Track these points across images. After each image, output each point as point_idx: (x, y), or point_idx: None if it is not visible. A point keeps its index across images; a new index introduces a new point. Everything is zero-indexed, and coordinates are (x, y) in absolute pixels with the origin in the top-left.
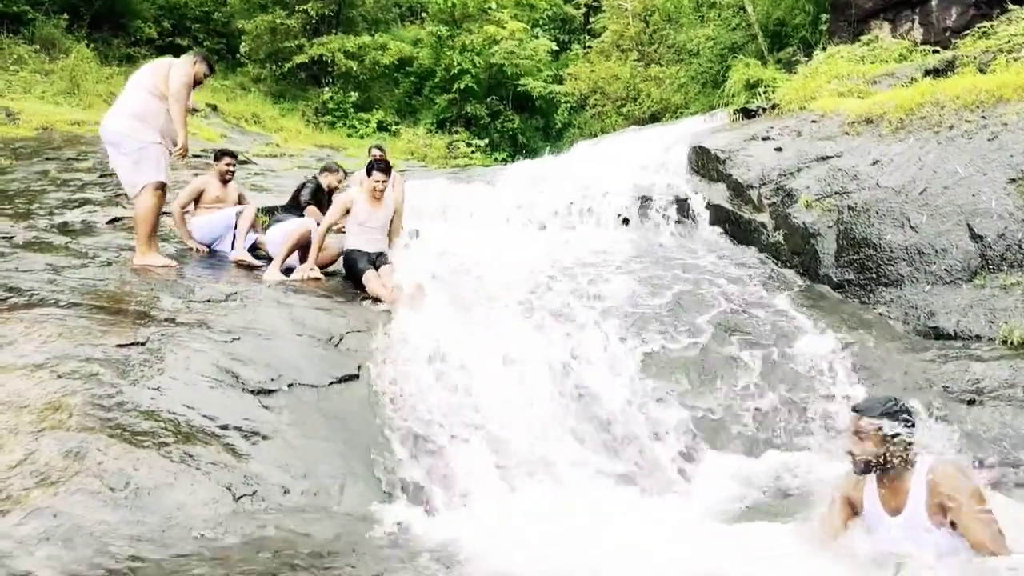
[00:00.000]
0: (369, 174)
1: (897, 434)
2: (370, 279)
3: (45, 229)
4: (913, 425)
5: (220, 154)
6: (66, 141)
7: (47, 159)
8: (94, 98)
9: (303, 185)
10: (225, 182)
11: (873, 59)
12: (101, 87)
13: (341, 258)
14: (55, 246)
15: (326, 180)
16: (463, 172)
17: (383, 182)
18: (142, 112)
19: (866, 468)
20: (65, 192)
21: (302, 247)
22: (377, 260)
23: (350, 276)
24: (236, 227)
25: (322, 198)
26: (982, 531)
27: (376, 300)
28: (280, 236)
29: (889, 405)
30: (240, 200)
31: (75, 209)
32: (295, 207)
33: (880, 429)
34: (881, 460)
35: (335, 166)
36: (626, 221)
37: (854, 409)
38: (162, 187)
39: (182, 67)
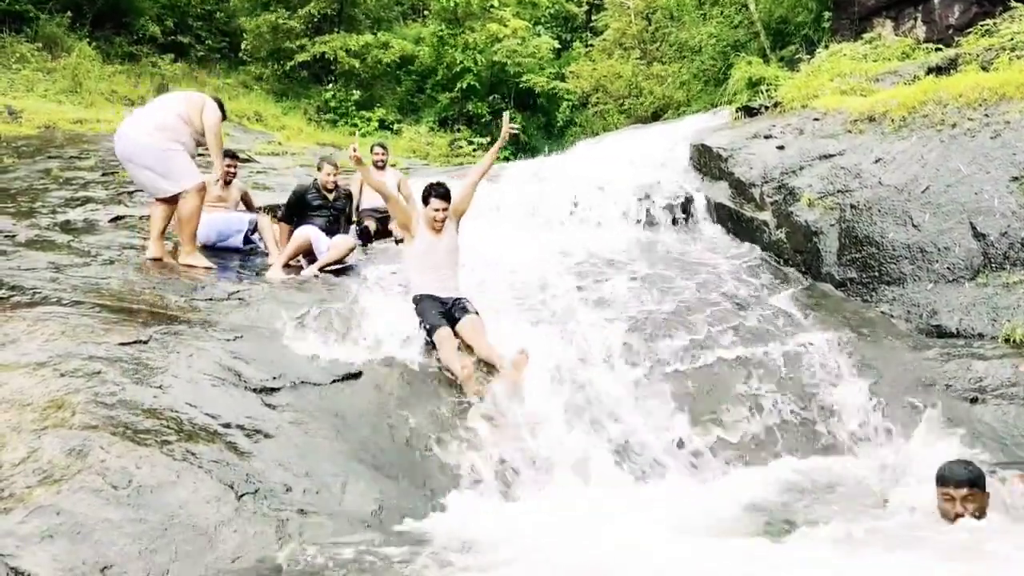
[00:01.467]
0: (426, 202)
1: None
2: (444, 342)
3: (47, 227)
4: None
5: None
6: (68, 140)
7: (49, 157)
8: (96, 96)
9: (292, 193)
10: (227, 183)
11: (875, 57)
12: (103, 86)
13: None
14: (57, 244)
15: (320, 178)
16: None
17: (444, 211)
18: (164, 126)
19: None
20: (67, 190)
21: (306, 251)
22: (454, 308)
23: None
24: (261, 240)
25: (301, 205)
26: None
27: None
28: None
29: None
30: (244, 199)
31: (77, 207)
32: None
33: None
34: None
35: (323, 162)
36: (628, 220)
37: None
38: (203, 187)
39: (216, 109)
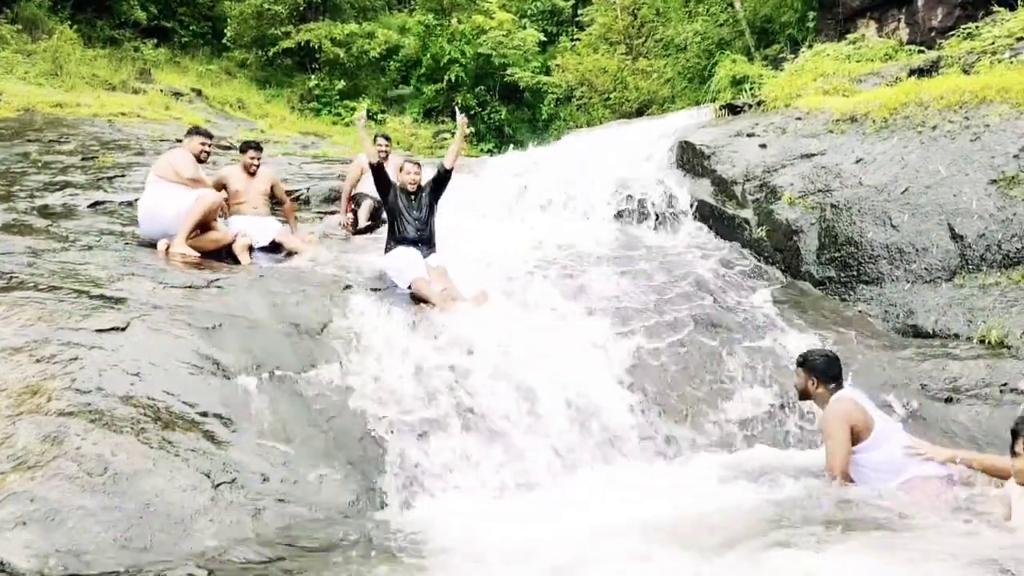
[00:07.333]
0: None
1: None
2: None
3: (25, 212)
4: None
5: (245, 146)
6: (48, 123)
7: (28, 141)
8: (77, 80)
9: None
10: (251, 174)
11: (859, 58)
12: (84, 69)
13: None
14: (35, 229)
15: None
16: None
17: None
18: (149, 197)
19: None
20: (46, 174)
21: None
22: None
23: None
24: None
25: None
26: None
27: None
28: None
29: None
30: (273, 190)
31: (56, 192)
32: None
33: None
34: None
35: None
36: (610, 215)
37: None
38: (214, 197)
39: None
